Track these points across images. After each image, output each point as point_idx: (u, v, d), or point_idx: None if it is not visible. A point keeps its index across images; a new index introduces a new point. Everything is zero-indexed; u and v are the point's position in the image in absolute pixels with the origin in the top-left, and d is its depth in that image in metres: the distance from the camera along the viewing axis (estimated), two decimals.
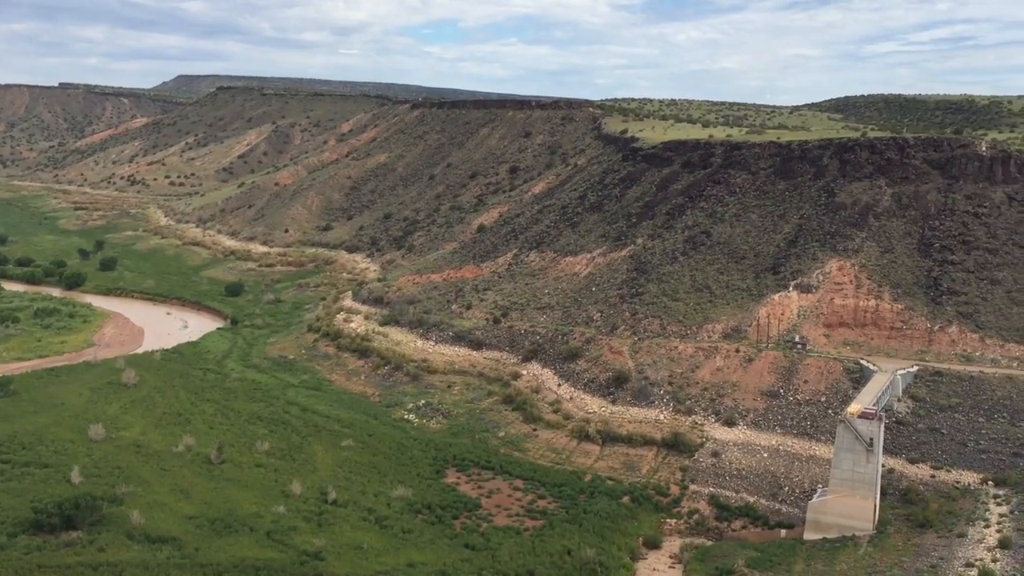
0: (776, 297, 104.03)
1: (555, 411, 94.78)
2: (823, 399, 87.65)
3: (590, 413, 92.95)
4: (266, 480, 75.25)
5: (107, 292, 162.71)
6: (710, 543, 72.33)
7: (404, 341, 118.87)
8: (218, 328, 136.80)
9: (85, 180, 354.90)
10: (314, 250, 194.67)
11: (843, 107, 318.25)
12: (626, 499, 77.41)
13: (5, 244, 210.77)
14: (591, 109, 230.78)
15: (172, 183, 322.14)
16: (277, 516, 66.83)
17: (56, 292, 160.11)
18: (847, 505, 70.88)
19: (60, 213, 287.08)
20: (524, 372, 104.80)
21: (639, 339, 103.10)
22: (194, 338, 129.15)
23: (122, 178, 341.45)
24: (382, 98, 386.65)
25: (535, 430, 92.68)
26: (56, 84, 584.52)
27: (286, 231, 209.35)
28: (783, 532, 73.60)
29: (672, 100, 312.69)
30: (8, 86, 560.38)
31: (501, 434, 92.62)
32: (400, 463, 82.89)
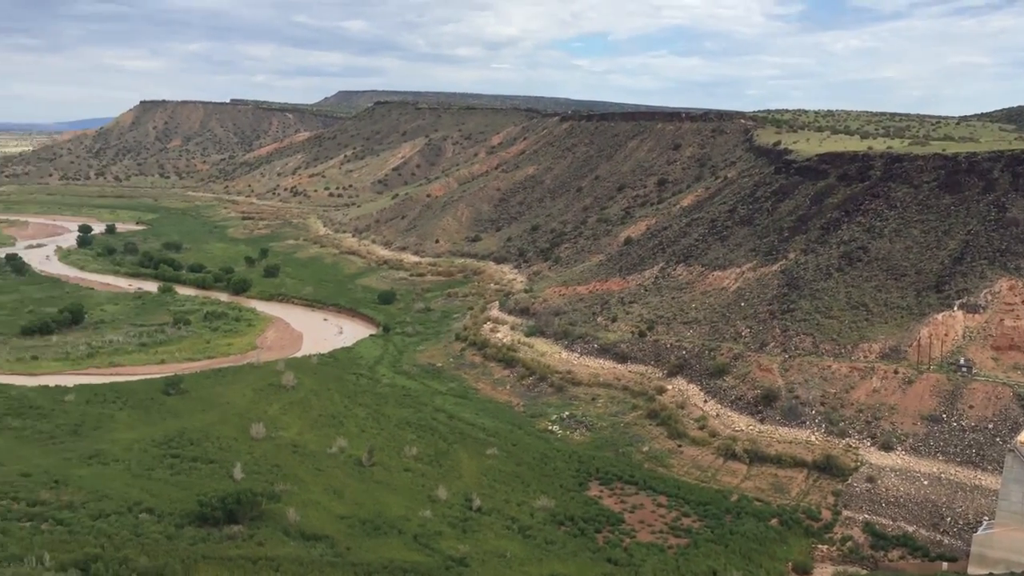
0: (939, 317, 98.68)
1: (700, 428, 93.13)
2: (990, 426, 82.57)
3: (737, 431, 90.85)
4: (413, 484, 77.21)
5: (270, 298, 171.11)
6: (865, 572, 69.34)
7: (549, 352, 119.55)
8: (371, 335, 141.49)
9: (252, 191, 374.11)
10: (463, 260, 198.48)
11: (1016, 117, 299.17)
12: (774, 522, 75.20)
13: (180, 251, 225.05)
14: (742, 121, 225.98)
15: (331, 194, 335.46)
16: (424, 520, 68.44)
17: (224, 297, 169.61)
18: (1016, 539, 66.55)
19: (229, 222, 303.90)
20: (669, 387, 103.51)
21: (790, 357, 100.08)
22: (348, 344, 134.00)
23: (285, 189, 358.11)
24: (531, 111, 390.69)
25: (680, 446, 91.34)
26: (228, 100, 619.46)
27: (436, 242, 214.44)
28: (945, 565, 69.73)
29: (828, 111, 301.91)
30: (185, 103, 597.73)
31: (645, 449, 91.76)
32: (543, 474, 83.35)
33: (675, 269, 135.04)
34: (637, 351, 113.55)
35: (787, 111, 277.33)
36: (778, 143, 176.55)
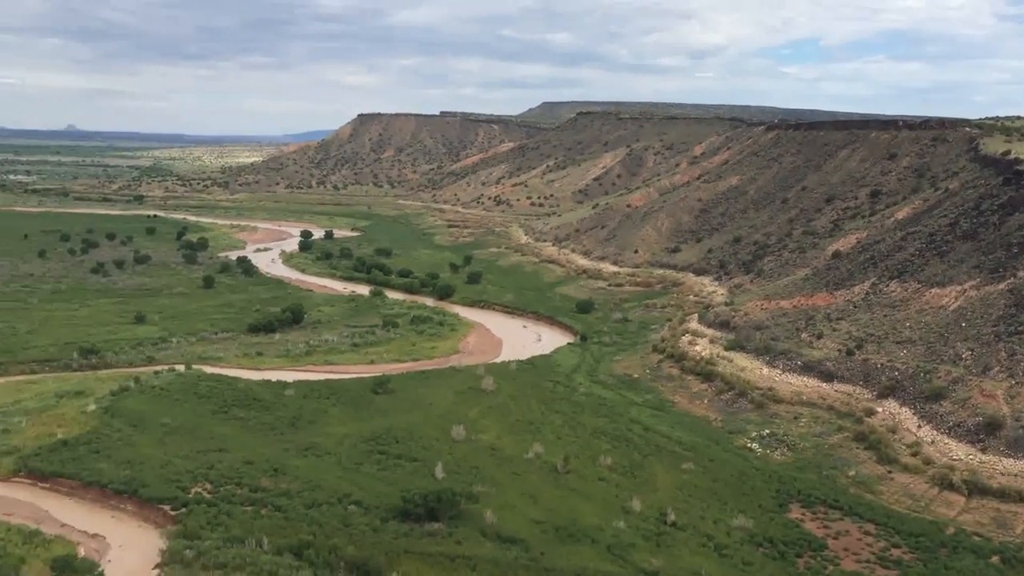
0: None
1: (913, 454, 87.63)
2: None
3: (955, 460, 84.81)
4: (608, 494, 77.26)
5: (472, 304, 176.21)
6: None
7: (749, 367, 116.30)
8: (568, 343, 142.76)
9: (458, 200, 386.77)
10: (662, 271, 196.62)
11: None
12: (995, 559, 69.65)
13: (390, 257, 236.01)
14: (967, 129, 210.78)
15: (533, 203, 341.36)
16: (617, 531, 68.35)
17: (429, 302, 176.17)
18: None
19: (436, 230, 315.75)
20: (879, 409, 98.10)
21: (1017, 383, 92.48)
22: (546, 351, 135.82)
23: (489, 198, 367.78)
24: (736, 120, 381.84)
25: (890, 472, 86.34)
26: (437, 113, 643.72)
27: (635, 252, 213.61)
28: None
29: None
30: (398, 115, 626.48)
31: (851, 473, 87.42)
32: (741, 492, 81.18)
33: (888, 285, 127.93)
34: (844, 370, 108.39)
35: (1019, 118, 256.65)
36: (1008, 152, 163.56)
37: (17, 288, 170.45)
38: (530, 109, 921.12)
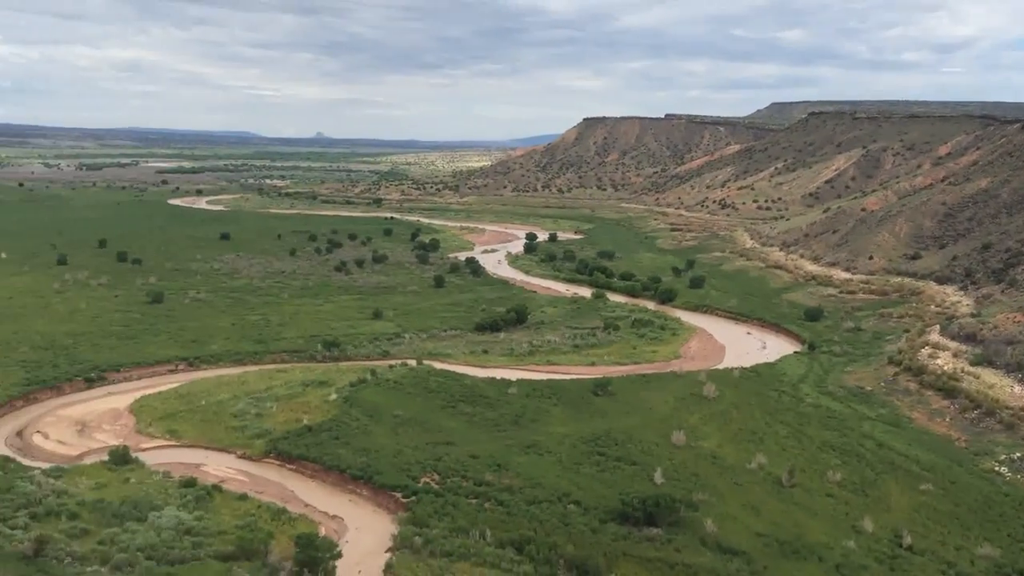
0: None
1: None
2: None
3: None
4: (836, 511, 73.82)
5: (694, 308, 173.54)
6: None
7: (999, 384, 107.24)
8: (795, 352, 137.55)
9: (681, 203, 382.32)
10: (899, 279, 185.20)
11: None
12: None
13: (612, 259, 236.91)
14: None
15: (759, 207, 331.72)
16: (847, 551, 65.14)
17: (651, 305, 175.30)
18: None
19: (658, 233, 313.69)
20: None
21: None
22: (771, 359, 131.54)
23: (714, 202, 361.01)
24: (987, 118, 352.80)
25: None
26: (662, 115, 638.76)
27: (870, 258, 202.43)
28: None
29: None
30: (623, 119, 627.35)
31: None
32: (987, 519, 75.07)
33: None
34: None
35: None
36: None
37: (271, 284, 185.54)
38: (758, 110, 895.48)
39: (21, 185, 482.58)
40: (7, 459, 78.79)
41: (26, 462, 79.16)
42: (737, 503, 73.28)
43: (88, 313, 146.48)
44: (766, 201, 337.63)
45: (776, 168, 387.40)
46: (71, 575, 54.42)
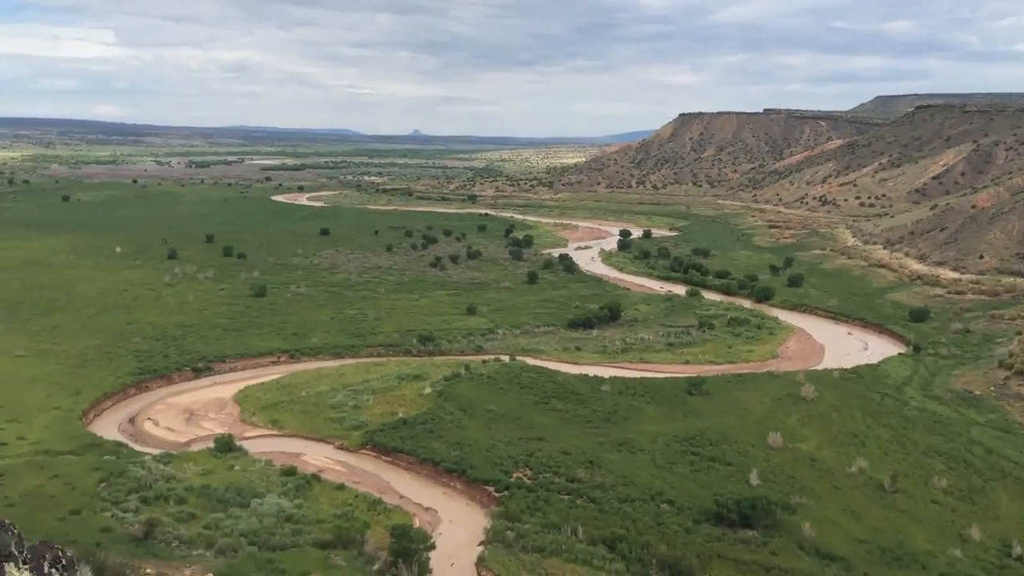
0: None
1: None
2: None
3: None
4: (941, 519, 71.41)
5: (792, 307, 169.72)
6: None
7: None
8: (899, 353, 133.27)
9: (780, 200, 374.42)
10: (1012, 279, 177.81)
11: None
12: None
13: (707, 257, 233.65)
14: None
15: (862, 204, 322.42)
16: (952, 559, 62.97)
17: (747, 304, 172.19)
18: None
19: (755, 230, 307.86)
20: None
21: None
22: (873, 361, 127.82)
23: (814, 198, 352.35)
24: None
25: None
26: (760, 110, 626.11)
27: (980, 257, 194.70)
28: None
29: None
30: (719, 114, 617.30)
31: None
32: None
33: None
34: None
35: None
36: None
37: (368, 279, 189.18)
38: (861, 104, 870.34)
39: (135, 182, 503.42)
40: (120, 444, 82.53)
41: (137, 448, 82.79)
42: (836, 507, 71.59)
43: (196, 305, 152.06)
44: (869, 198, 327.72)
45: (880, 163, 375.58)
46: (178, 557, 56.68)
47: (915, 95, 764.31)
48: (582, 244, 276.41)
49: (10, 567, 15.47)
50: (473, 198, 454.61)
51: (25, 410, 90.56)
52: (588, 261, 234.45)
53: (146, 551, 56.70)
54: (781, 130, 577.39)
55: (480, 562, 59.20)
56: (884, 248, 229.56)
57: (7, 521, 16.44)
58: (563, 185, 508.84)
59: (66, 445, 79.87)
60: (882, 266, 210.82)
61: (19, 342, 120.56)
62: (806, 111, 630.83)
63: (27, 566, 16.16)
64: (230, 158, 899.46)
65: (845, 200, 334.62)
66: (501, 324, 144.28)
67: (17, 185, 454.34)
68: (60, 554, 17.86)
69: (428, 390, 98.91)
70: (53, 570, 17.20)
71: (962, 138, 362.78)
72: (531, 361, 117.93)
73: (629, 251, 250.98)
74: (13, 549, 15.84)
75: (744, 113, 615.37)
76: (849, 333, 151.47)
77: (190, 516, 64.21)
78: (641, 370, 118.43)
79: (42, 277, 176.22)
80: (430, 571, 57.08)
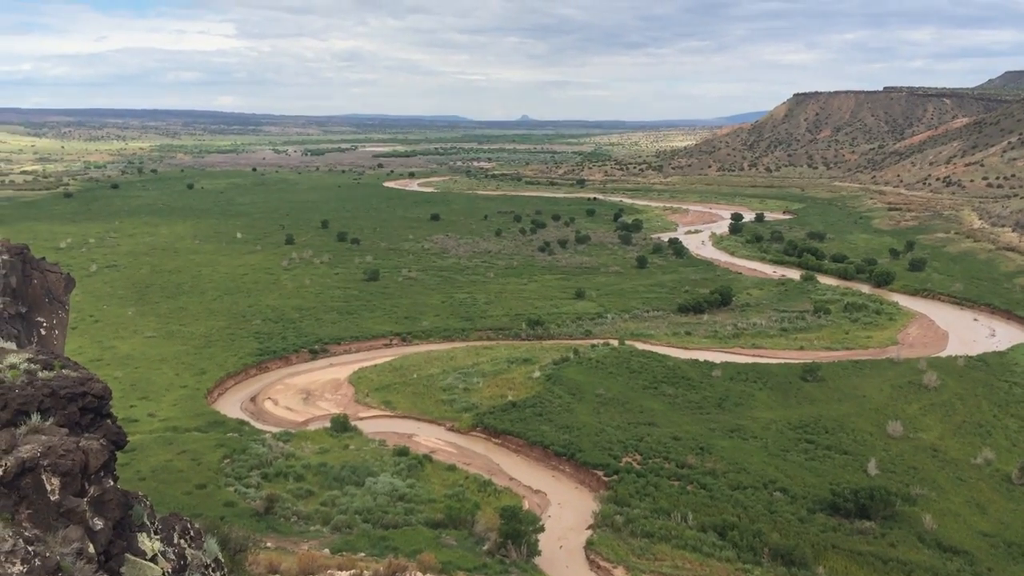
0: None
1: None
2: None
3: None
4: None
5: (913, 292, 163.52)
6: None
7: None
8: None
9: (900, 181, 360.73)
10: None
11: None
12: None
13: (823, 241, 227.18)
14: None
15: (989, 185, 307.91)
16: None
17: (865, 288, 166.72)
18: None
19: (874, 213, 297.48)
20: None
21: None
22: (1001, 348, 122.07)
23: (937, 179, 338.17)
24: None
25: None
26: (880, 88, 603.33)
27: None
28: None
29: None
30: (836, 93, 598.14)
31: None
32: None
33: None
34: None
35: None
36: None
37: (478, 263, 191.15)
38: (990, 80, 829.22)
39: (254, 170, 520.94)
40: (242, 423, 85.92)
41: (258, 426, 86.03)
42: (960, 499, 68.88)
43: (312, 289, 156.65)
44: (997, 178, 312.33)
45: (1010, 142, 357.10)
46: (296, 532, 58.74)
47: None
48: (692, 228, 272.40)
49: (143, 537, 16.33)
50: (582, 183, 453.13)
51: (155, 388, 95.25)
52: (698, 245, 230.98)
53: (266, 526, 58.92)
54: (902, 109, 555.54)
55: (589, 546, 59.32)
56: (1013, 231, 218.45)
57: (140, 494, 17.37)
58: (673, 169, 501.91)
59: (192, 422, 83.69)
60: (1011, 249, 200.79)
61: (149, 324, 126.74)
62: (929, 88, 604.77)
63: (158, 536, 17.02)
64: (343, 145, 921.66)
65: (971, 181, 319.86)
66: (610, 308, 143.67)
67: (146, 174, 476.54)
68: (188, 526, 18.78)
69: (537, 374, 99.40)
70: (182, 541, 18.08)
71: None
72: (640, 346, 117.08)
73: (741, 235, 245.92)
74: (145, 520, 16.70)
75: (863, 92, 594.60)
76: (975, 319, 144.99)
77: (308, 493, 66.39)
78: (753, 356, 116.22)
79: (169, 262, 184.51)
80: (539, 553, 57.50)
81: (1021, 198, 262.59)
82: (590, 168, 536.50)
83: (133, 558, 15.60)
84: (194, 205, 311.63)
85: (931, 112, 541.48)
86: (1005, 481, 73.17)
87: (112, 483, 15.37)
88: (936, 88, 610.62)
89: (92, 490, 14.84)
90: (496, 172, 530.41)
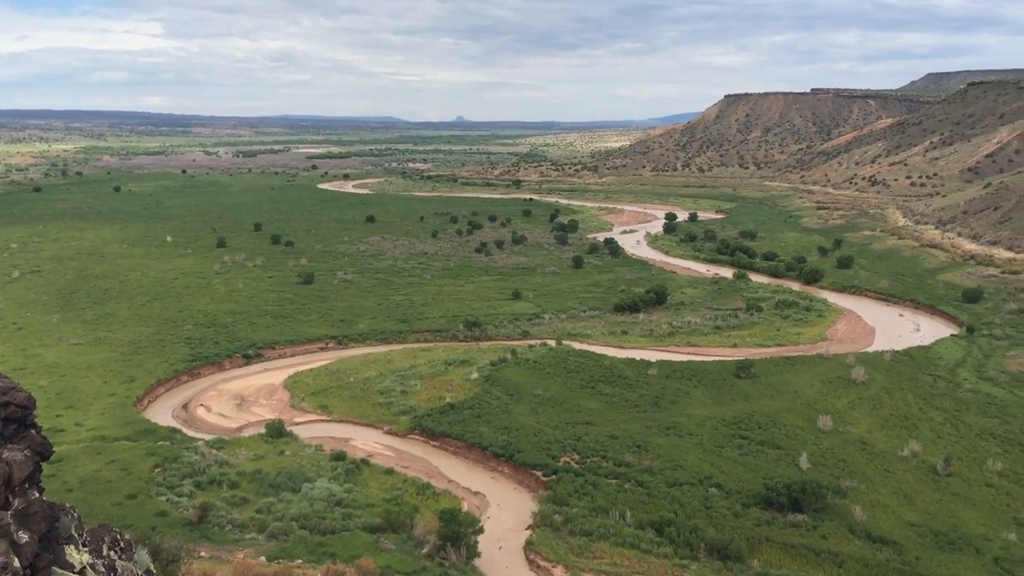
0: None
1: None
2: None
3: None
4: (996, 502, 70.14)
5: (841, 289, 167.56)
6: None
7: None
8: (952, 335, 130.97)
9: (828, 180, 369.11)
10: None
11: None
12: None
13: (754, 239, 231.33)
14: None
15: (912, 183, 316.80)
16: (1007, 544, 61.90)
17: (795, 286, 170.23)
18: None
19: (803, 212, 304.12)
20: None
21: None
22: (925, 342, 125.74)
23: (863, 179, 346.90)
24: None
25: None
26: (808, 90, 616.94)
27: None
28: None
29: None
30: (766, 94, 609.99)
31: None
32: None
33: None
34: None
35: None
36: None
37: (414, 265, 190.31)
38: (912, 82, 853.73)
39: (184, 172, 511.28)
40: (174, 430, 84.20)
41: (191, 433, 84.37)
42: (888, 491, 70.73)
43: (245, 293, 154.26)
44: (920, 177, 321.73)
45: (931, 142, 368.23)
46: (231, 541, 57.74)
47: (968, 72, 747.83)
48: (627, 228, 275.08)
49: (71, 550, 15.92)
50: (518, 183, 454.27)
51: (82, 397, 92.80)
52: (634, 245, 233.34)
53: (200, 535, 57.83)
54: (829, 110, 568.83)
55: (528, 546, 59.50)
56: (936, 228, 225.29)
57: (67, 505, 16.92)
58: (608, 169, 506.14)
59: (122, 431, 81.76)
60: (934, 246, 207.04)
61: (75, 331, 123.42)
62: (855, 90, 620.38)
63: (86, 549, 16.60)
64: (276, 147, 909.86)
65: (895, 180, 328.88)
66: (547, 309, 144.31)
67: (70, 177, 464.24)
68: (118, 537, 18.34)
69: (475, 375, 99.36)
70: (112, 553, 17.65)
71: (1017, 115, 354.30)
72: (577, 345, 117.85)
73: (675, 234, 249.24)
74: (73, 532, 16.28)
75: (791, 93, 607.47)
76: (900, 315, 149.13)
77: (243, 500, 65.36)
78: (688, 353, 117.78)
79: (95, 267, 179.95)
80: (478, 554, 57.49)
81: (943, 196, 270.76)
82: (526, 169, 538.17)
83: (61, 571, 15.18)
84: (121, 208, 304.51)
85: (857, 113, 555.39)
86: (931, 472, 75.30)
87: (37, 495, 14.94)
88: (861, 89, 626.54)
89: (16, 503, 14.40)
90: (432, 173, 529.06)
